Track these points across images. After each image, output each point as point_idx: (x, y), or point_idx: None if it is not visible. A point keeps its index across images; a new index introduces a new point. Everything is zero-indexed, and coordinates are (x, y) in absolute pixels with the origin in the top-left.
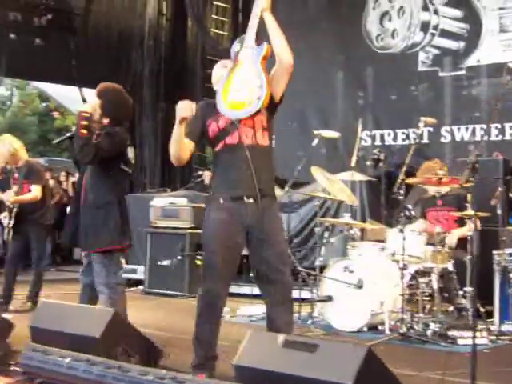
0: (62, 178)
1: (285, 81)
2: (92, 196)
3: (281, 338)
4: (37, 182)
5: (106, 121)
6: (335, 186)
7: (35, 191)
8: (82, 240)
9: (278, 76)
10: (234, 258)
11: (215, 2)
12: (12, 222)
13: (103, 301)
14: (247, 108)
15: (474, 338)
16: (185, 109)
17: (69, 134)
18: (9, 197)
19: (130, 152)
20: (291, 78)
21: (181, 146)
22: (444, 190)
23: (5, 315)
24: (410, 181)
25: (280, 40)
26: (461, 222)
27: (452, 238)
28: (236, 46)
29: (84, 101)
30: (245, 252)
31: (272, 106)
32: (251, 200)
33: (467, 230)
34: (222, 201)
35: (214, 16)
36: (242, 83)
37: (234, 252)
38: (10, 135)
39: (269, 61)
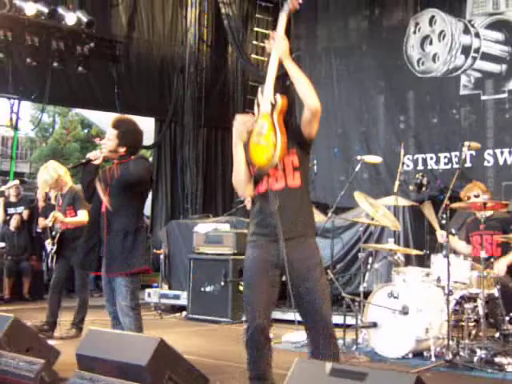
0: None
1: (315, 123)
2: (119, 222)
3: (328, 366)
4: (82, 208)
5: (122, 150)
6: (378, 211)
7: (82, 215)
8: (109, 265)
9: (307, 120)
10: (267, 291)
11: (255, 28)
12: (55, 247)
13: (129, 323)
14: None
15: None
16: (243, 123)
17: (83, 161)
18: (57, 216)
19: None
20: (320, 116)
21: (245, 170)
22: (488, 213)
23: (51, 342)
24: (454, 205)
25: (303, 86)
26: (505, 247)
27: (500, 266)
28: (258, 97)
29: None
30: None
31: (305, 146)
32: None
33: None
34: (255, 242)
35: (254, 42)
36: (260, 137)
37: (267, 285)
38: (54, 161)
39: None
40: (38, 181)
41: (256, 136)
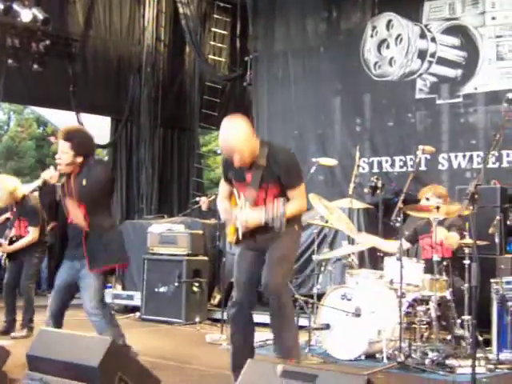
0: None
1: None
2: (95, 225)
3: (279, 367)
4: (35, 225)
5: (79, 160)
6: (333, 213)
7: (32, 234)
8: (92, 261)
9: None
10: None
11: (213, 29)
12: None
13: (99, 321)
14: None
15: (474, 367)
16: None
17: (39, 183)
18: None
19: None
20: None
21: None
22: (441, 217)
23: (1, 342)
24: (407, 208)
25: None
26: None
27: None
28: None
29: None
30: None
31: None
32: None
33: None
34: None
35: (211, 42)
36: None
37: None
38: (4, 175)
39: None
40: None
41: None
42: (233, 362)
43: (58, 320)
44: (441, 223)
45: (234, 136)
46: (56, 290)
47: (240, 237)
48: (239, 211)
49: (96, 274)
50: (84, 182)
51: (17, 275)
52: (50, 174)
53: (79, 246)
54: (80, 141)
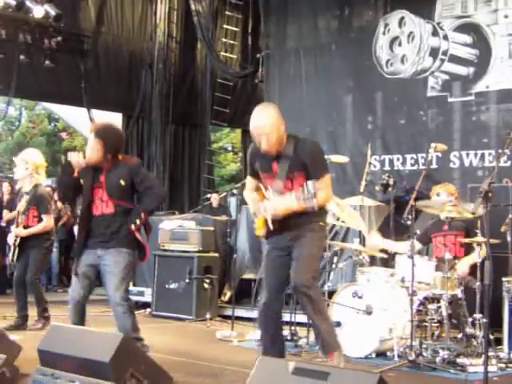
0: None
1: None
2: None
3: (291, 365)
4: (47, 212)
5: (109, 156)
6: (345, 211)
7: (46, 221)
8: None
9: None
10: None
11: (225, 26)
12: (18, 240)
13: (123, 312)
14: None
15: (487, 365)
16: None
17: (65, 162)
18: (18, 233)
19: None
20: None
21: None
22: (452, 214)
23: (13, 337)
24: (419, 206)
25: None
26: (468, 247)
27: (463, 267)
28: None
29: (91, 121)
30: (253, 276)
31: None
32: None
33: (476, 257)
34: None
35: (223, 39)
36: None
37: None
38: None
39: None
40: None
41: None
42: None
43: (82, 310)
44: (453, 221)
45: (265, 118)
46: (80, 277)
47: (271, 227)
48: (267, 202)
49: (125, 264)
50: (123, 182)
51: (24, 271)
52: (76, 161)
53: (110, 237)
54: (111, 139)
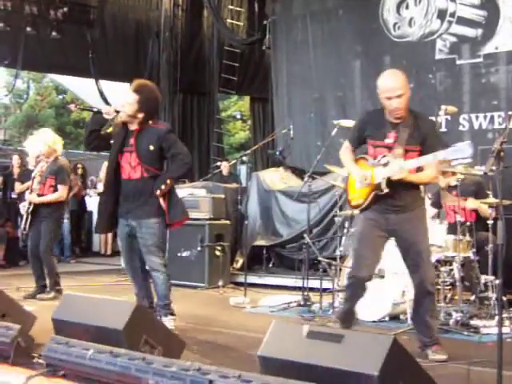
0: (80, 171)
1: None
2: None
3: (305, 328)
4: (64, 183)
5: (140, 116)
6: None
7: (61, 192)
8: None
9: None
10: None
11: None
12: (31, 207)
13: (160, 277)
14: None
15: (501, 326)
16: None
17: (95, 109)
18: (31, 200)
19: None
20: None
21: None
22: (460, 177)
23: (28, 308)
24: None
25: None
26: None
27: (473, 203)
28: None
29: (101, 93)
30: (264, 243)
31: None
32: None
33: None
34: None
35: (230, 6)
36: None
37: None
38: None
39: None
40: (29, 146)
41: (359, 181)
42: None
43: (145, 277)
44: (462, 185)
45: (398, 79)
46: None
47: (384, 189)
48: (391, 158)
49: (159, 234)
50: (151, 147)
51: (37, 243)
52: (107, 111)
53: (140, 205)
54: (148, 98)
